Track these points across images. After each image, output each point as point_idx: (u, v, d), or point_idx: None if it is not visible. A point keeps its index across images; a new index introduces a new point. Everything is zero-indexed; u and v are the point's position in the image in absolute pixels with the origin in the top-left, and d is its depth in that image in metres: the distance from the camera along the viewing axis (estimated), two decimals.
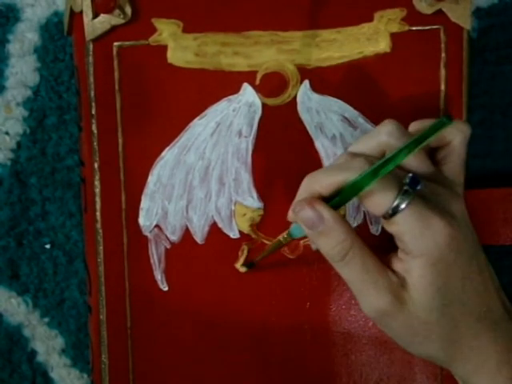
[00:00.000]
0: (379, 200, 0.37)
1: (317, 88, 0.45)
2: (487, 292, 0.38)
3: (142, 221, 0.45)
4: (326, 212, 0.37)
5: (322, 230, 0.37)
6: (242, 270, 0.45)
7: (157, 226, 0.45)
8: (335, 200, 0.38)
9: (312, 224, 0.38)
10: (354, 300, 0.46)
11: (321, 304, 0.46)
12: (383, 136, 0.39)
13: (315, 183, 0.38)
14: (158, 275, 0.45)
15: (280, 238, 0.43)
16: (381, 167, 0.36)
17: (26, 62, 0.49)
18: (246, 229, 0.45)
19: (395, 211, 0.36)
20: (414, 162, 0.39)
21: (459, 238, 0.37)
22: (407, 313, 0.37)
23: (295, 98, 0.45)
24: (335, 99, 0.45)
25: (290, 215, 0.41)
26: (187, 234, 0.45)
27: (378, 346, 0.46)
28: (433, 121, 0.38)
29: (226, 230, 0.45)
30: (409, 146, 0.37)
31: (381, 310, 0.37)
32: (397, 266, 0.38)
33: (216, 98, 0.44)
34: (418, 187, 0.37)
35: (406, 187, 0.36)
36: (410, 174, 0.37)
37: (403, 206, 0.36)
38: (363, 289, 0.38)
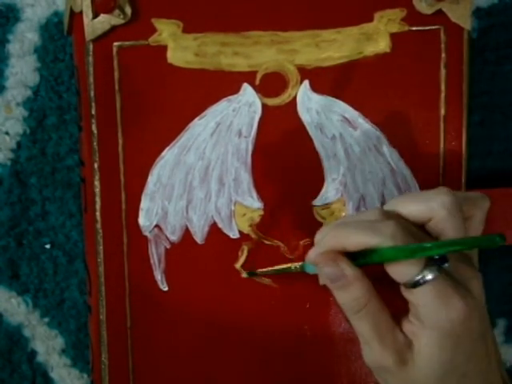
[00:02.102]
0: (404, 269, 0.36)
1: (317, 88, 0.45)
2: (490, 369, 0.38)
3: (141, 221, 0.45)
4: (348, 269, 0.37)
5: (341, 284, 0.38)
6: (244, 275, 0.45)
7: (157, 226, 0.45)
8: (360, 261, 0.38)
9: (333, 279, 0.38)
10: None
11: (321, 304, 0.46)
12: (436, 205, 0.38)
13: (343, 238, 0.38)
14: (158, 275, 0.45)
15: (291, 266, 0.43)
16: (419, 251, 0.35)
17: (26, 62, 0.49)
18: (245, 229, 0.45)
19: (417, 283, 0.36)
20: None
21: (473, 318, 0.37)
22: (407, 374, 0.38)
23: (295, 98, 0.45)
24: (335, 99, 0.45)
25: (311, 257, 0.40)
26: (187, 234, 0.45)
27: None
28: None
29: (225, 230, 0.45)
30: (457, 245, 0.36)
31: (382, 366, 0.38)
32: (406, 327, 0.38)
33: (216, 98, 0.44)
34: (446, 265, 0.36)
35: (432, 262, 0.36)
36: None
37: (426, 279, 0.36)
38: (370, 343, 0.38)
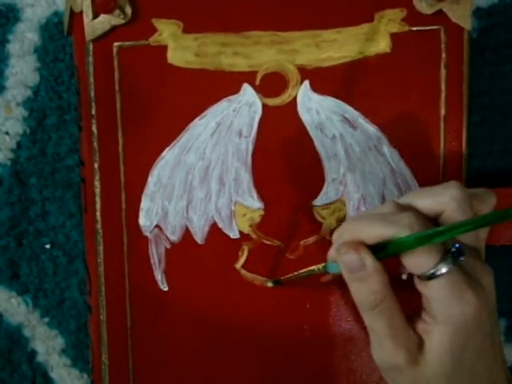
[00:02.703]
0: (420, 261, 0.36)
1: (317, 88, 0.45)
2: (496, 365, 0.38)
3: (142, 221, 0.45)
4: (369, 260, 0.37)
5: (360, 275, 0.38)
6: (269, 284, 0.45)
7: (157, 226, 0.45)
8: (381, 254, 0.37)
9: (353, 268, 0.38)
10: (354, 300, 0.46)
11: (321, 304, 0.46)
12: (446, 199, 0.38)
13: (360, 231, 0.38)
14: (158, 275, 0.45)
15: (315, 267, 0.43)
16: (436, 235, 0.36)
17: (26, 62, 0.49)
18: (246, 229, 0.45)
19: (433, 276, 0.36)
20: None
21: (484, 314, 0.37)
22: (417, 373, 0.38)
23: (295, 98, 0.45)
24: (335, 99, 0.45)
25: (331, 254, 0.40)
26: (187, 234, 0.45)
27: None
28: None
29: (226, 230, 0.45)
30: (472, 224, 0.36)
31: (392, 365, 0.38)
32: (419, 326, 0.38)
33: (216, 99, 0.44)
34: (461, 258, 0.36)
35: (449, 255, 0.36)
36: (457, 245, 0.36)
37: (442, 272, 0.36)
38: (382, 341, 0.38)
